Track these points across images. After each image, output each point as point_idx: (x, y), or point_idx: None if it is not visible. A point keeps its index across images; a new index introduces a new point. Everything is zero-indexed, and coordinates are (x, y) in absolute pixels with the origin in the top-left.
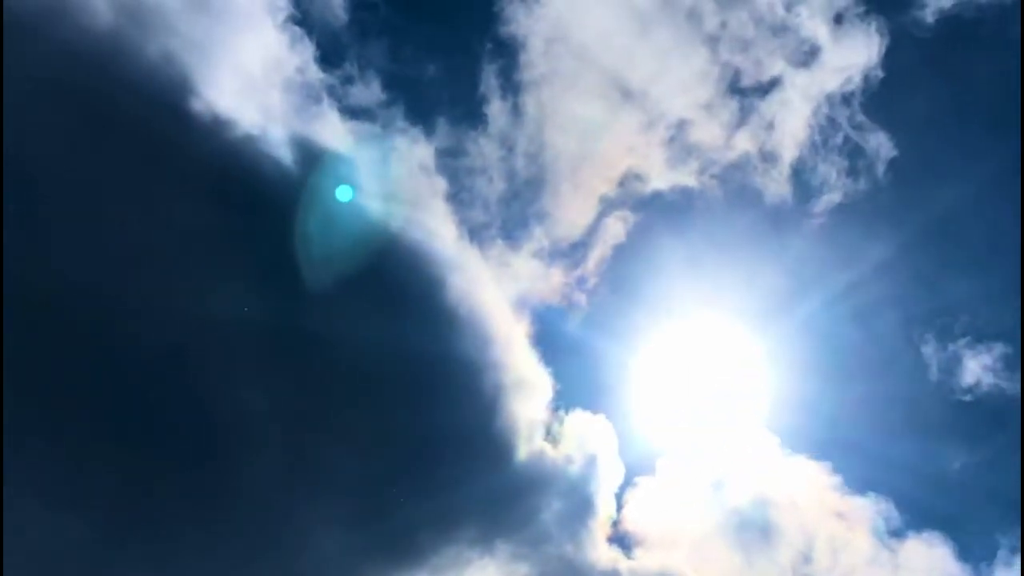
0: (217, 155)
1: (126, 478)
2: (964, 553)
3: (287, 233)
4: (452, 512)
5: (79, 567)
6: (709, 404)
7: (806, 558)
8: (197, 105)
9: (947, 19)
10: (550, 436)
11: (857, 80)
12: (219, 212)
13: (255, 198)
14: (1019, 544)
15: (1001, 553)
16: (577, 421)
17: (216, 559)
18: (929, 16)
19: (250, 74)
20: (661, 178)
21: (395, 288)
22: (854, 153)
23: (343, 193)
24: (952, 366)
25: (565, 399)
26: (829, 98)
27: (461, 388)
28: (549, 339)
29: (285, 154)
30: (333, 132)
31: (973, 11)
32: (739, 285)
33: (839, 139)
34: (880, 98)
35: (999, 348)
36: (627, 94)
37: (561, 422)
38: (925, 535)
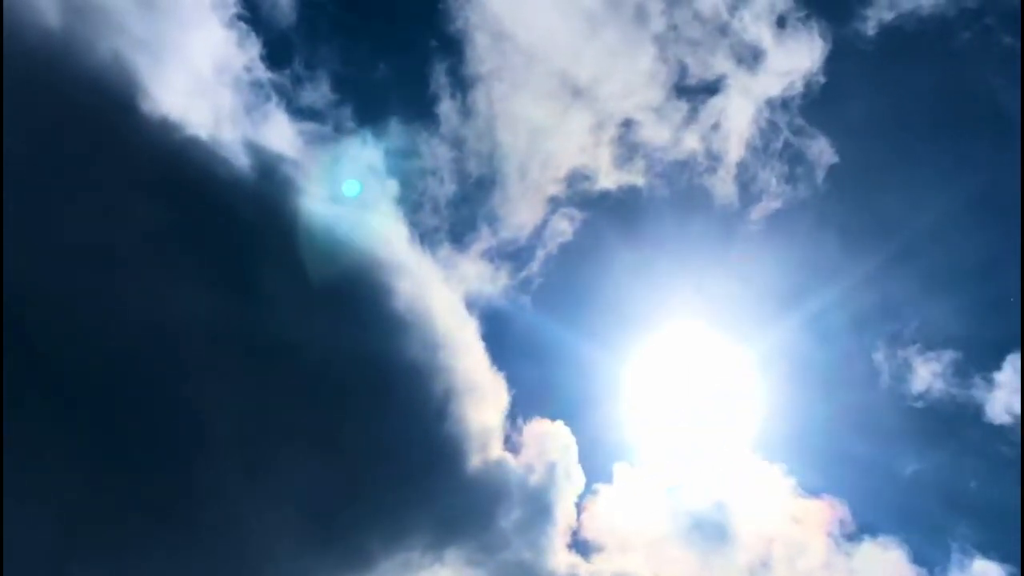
0: (163, 155)
1: (80, 475)
2: (918, 557)
3: (235, 235)
4: (405, 518)
5: (33, 560)
6: (666, 408)
7: (763, 562)
8: (143, 104)
9: (889, 28)
10: (509, 444)
11: (799, 85)
12: (165, 212)
13: (202, 199)
14: (971, 547)
15: (954, 556)
16: (536, 428)
17: (169, 558)
18: (871, 25)
19: (197, 72)
20: (608, 177)
21: (345, 292)
22: (795, 158)
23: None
24: (903, 373)
25: (523, 406)
26: (770, 102)
27: (414, 393)
28: (502, 343)
29: (232, 156)
30: (281, 133)
31: (915, 22)
32: (688, 287)
33: (780, 144)
34: (822, 104)
35: (949, 355)
36: (575, 93)
37: (520, 431)
38: (880, 539)
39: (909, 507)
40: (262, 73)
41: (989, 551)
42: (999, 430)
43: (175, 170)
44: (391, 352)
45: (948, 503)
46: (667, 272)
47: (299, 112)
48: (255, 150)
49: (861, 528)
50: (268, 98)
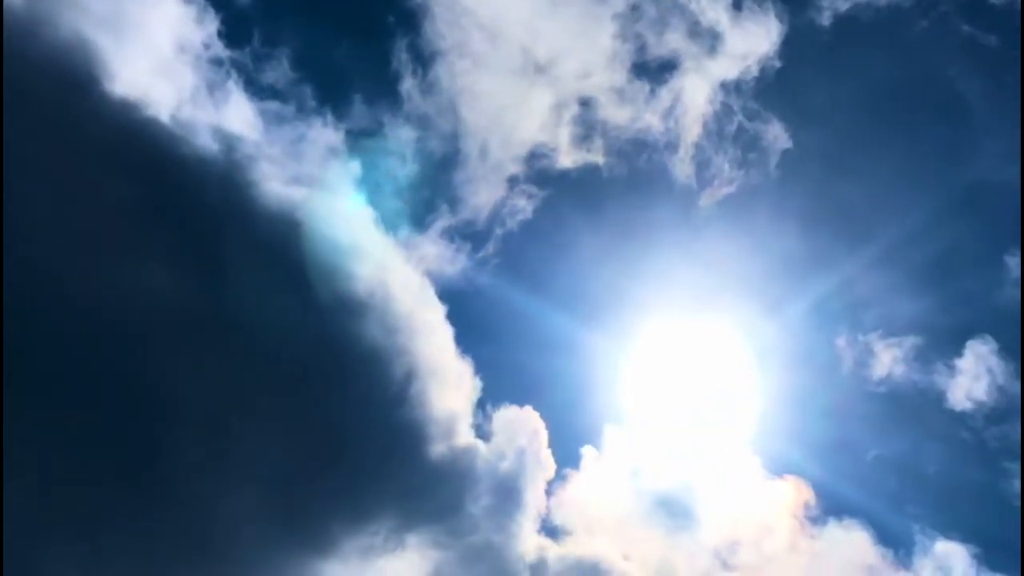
0: (124, 135)
1: (49, 451)
2: (882, 539)
3: (195, 216)
4: (370, 502)
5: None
6: (632, 391)
7: (730, 542)
8: (103, 83)
9: (846, 15)
10: (476, 429)
11: (754, 69)
12: (125, 192)
13: (160, 180)
14: (933, 530)
15: (917, 538)
16: (504, 413)
17: (137, 534)
18: (827, 11)
19: (156, 50)
20: (568, 156)
21: (308, 274)
22: (749, 142)
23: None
24: (865, 359)
25: (491, 391)
26: (724, 85)
27: (377, 376)
28: (467, 326)
29: (190, 136)
30: (240, 113)
31: (872, 10)
32: (648, 270)
33: (734, 127)
34: (777, 88)
35: (910, 341)
36: (535, 71)
37: (488, 416)
38: (845, 521)
39: (872, 490)
40: (221, 51)
41: (951, 533)
42: (960, 416)
43: (135, 150)
44: (354, 334)
45: (910, 487)
46: (627, 254)
47: (259, 91)
48: (213, 130)
49: (826, 510)
50: (227, 76)
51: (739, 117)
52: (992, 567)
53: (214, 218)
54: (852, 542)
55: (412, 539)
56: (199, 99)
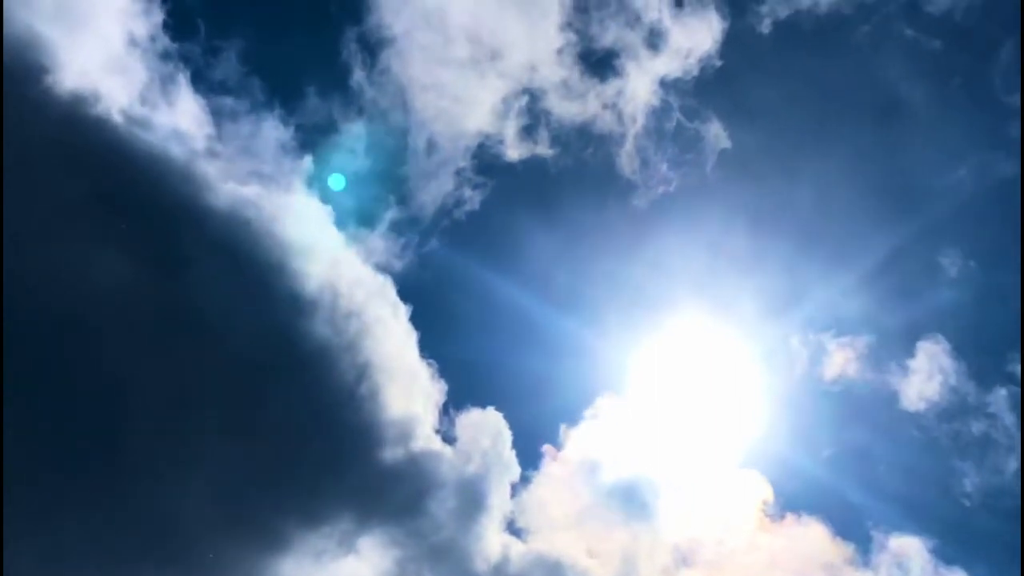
0: (73, 130)
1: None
2: (840, 533)
3: (142, 212)
4: (326, 501)
5: None
6: (592, 388)
7: (691, 538)
8: (51, 78)
9: (788, 16)
10: (442, 433)
11: (695, 68)
12: (71, 187)
13: (107, 176)
14: (889, 526)
15: (873, 534)
16: (467, 415)
17: (90, 525)
18: (769, 11)
19: (104, 43)
20: (515, 149)
21: (262, 273)
22: (689, 141)
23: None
24: (819, 357)
25: (453, 392)
26: (663, 82)
27: (334, 376)
28: (423, 324)
29: (140, 130)
30: (188, 108)
31: (813, 17)
32: (601, 267)
33: (673, 124)
34: (716, 88)
35: (862, 342)
36: (483, 62)
37: (450, 418)
38: (803, 518)
39: (829, 487)
40: (167, 44)
41: (907, 528)
42: (913, 416)
43: (85, 145)
44: (311, 333)
45: (866, 484)
46: (577, 250)
47: (207, 85)
48: (162, 125)
49: (784, 506)
50: (175, 70)
51: (677, 115)
52: (948, 561)
53: (163, 214)
54: (810, 537)
55: (370, 539)
56: (147, 93)
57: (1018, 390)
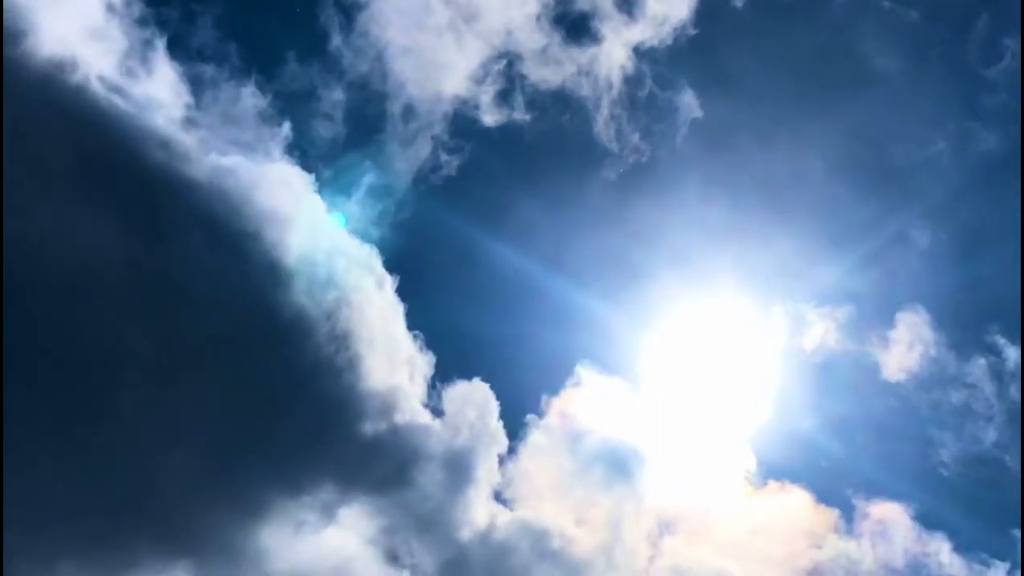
0: (51, 97)
1: None
2: (822, 499)
3: (120, 180)
4: (309, 470)
5: None
6: (575, 358)
7: (676, 506)
8: (30, 44)
9: None
10: (429, 406)
11: (669, 37)
12: (55, 155)
13: (85, 141)
14: (873, 494)
15: (857, 502)
16: (455, 386)
17: (61, 492)
18: None
19: (80, 10)
20: (491, 114)
21: (244, 243)
22: (661, 110)
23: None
24: (799, 328)
25: (440, 363)
26: (638, 50)
27: (319, 346)
28: (408, 296)
29: (114, 97)
30: (165, 75)
31: None
32: (580, 238)
33: (645, 93)
34: (690, 57)
35: (842, 312)
36: (460, 24)
37: (437, 389)
38: (786, 485)
39: (811, 455)
40: (143, 9)
41: (888, 495)
42: (893, 387)
43: (63, 111)
44: (290, 303)
45: (844, 457)
46: (556, 217)
47: (183, 51)
48: (137, 93)
49: (767, 474)
50: (152, 35)
51: (651, 83)
52: (930, 527)
53: (141, 182)
54: (794, 503)
55: (356, 508)
56: (125, 60)
57: (997, 360)
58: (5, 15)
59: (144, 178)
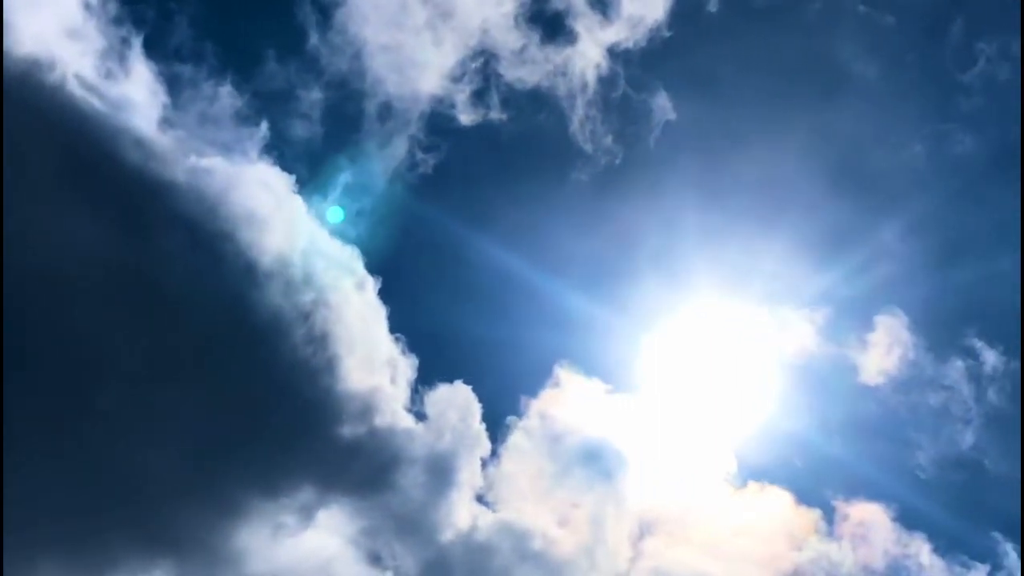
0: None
1: None
2: (803, 501)
3: (97, 182)
4: (288, 473)
5: None
6: (555, 359)
7: (658, 508)
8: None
9: None
10: (412, 410)
11: (643, 38)
12: (34, 156)
13: (60, 141)
14: (853, 496)
15: (838, 504)
16: (437, 389)
17: (41, 488)
18: None
19: (57, 9)
20: (467, 114)
21: (223, 244)
22: (635, 112)
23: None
24: (778, 331)
25: (423, 366)
26: (612, 51)
27: (300, 348)
28: (389, 299)
29: (90, 97)
30: (141, 74)
31: None
32: (556, 239)
33: (619, 95)
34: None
35: (821, 314)
36: (436, 23)
37: (419, 393)
38: (767, 487)
39: (791, 457)
40: (119, 8)
41: (868, 496)
42: (872, 390)
43: (36, 112)
44: (270, 305)
45: (825, 459)
46: (533, 218)
47: (159, 50)
48: (113, 93)
49: (748, 476)
50: (128, 35)
51: (624, 85)
52: (910, 527)
53: (117, 183)
54: (775, 504)
55: (336, 510)
56: (101, 59)
57: (974, 363)
58: None
59: (121, 179)
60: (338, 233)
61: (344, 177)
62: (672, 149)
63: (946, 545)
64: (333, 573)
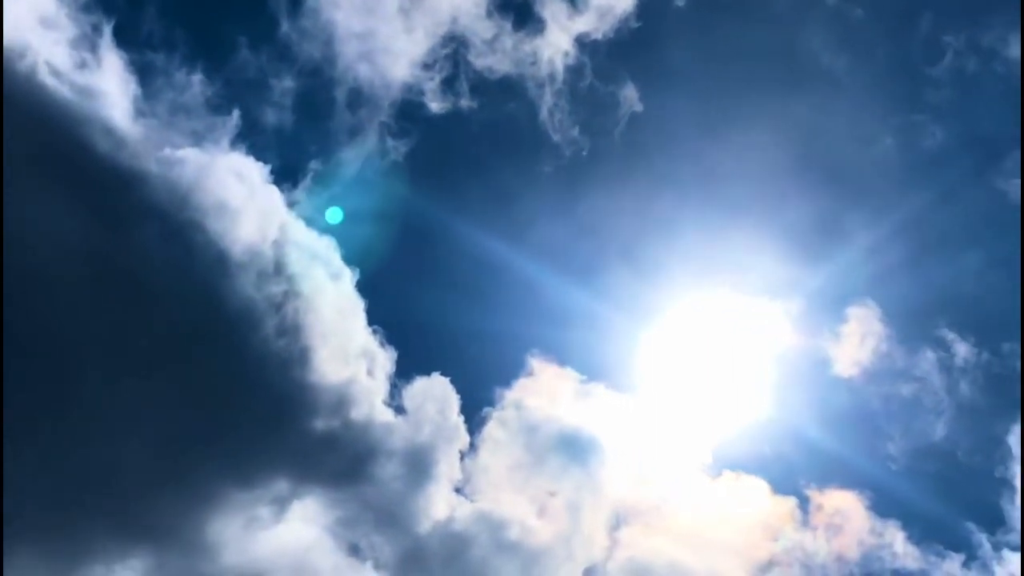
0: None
1: None
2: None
3: (64, 170)
4: (263, 464)
5: None
6: (530, 348)
7: (634, 497)
8: None
9: None
10: (391, 403)
11: (611, 29)
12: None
13: (24, 130)
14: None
15: (812, 493)
16: (415, 382)
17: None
18: None
19: None
20: (436, 101)
21: (196, 235)
22: (601, 102)
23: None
24: (752, 322)
25: (401, 360)
26: (580, 41)
27: (274, 340)
28: (370, 289)
29: (59, 85)
30: (112, 62)
31: None
32: (528, 229)
33: (586, 85)
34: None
35: (794, 303)
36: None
37: (396, 385)
38: (742, 477)
39: (765, 447)
40: None
41: (842, 484)
42: (847, 382)
43: (10, 100)
44: (243, 296)
45: (799, 448)
46: (504, 208)
47: (131, 39)
48: (86, 82)
49: (723, 465)
50: (99, 22)
51: (591, 76)
52: (883, 515)
53: (89, 174)
54: (750, 494)
55: (313, 501)
56: (71, 46)
57: (946, 354)
58: None
59: (91, 168)
60: (314, 223)
61: (315, 165)
62: (639, 140)
63: (920, 534)
64: (312, 563)
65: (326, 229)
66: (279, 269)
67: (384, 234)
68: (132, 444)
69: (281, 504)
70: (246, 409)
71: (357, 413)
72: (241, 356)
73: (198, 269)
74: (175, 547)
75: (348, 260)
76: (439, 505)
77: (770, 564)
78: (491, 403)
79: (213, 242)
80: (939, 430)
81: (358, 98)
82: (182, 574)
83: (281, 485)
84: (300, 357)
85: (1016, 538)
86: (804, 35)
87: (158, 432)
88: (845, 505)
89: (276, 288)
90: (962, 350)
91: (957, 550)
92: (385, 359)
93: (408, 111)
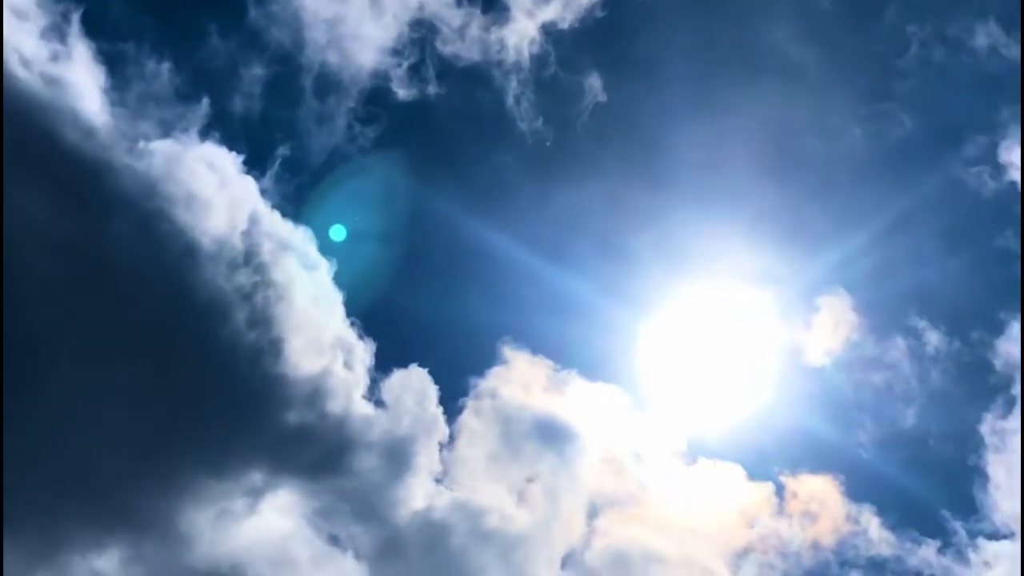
0: None
1: None
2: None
3: (33, 161)
4: (238, 453)
5: None
6: (504, 336)
7: (610, 485)
8: None
9: None
10: (371, 396)
11: (576, 18)
12: None
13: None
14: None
15: (786, 480)
16: (393, 374)
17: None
18: None
19: None
20: (403, 88)
21: (167, 225)
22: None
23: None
24: (725, 309)
25: (379, 352)
26: (545, 29)
27: (248, 332)
28: (347, 281)
29: (27, 76)
30: (81, 51)
31: None
32: (497, 212)
33: (550, 74)
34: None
35: (766, 293)
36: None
37: (375, 377)
38: (717, 464)
39: (739, 435)
40: None
41: (814, 470)
42: (818, 371)
43: None
44: (215, 286)
45: (773, 433)
46: (479, 197)
47: (99, 28)
48: (50, 72)
49: (697, 453)
50: (68, 10)
51: (554, 66)
52: (858, 500)
53: (59, 163)
54: (726, 481)
55: (285, 491)
56: (39, 36)
57: (917, 343)
58: None
59: (60, 158)
60: (289, 213)
61: (284, 151)
62: (603, 130)
63: (895, 521)
64: (290, 553)
65: (300, 218)
66: (248, 259)
67: (354, 221)
68: (105, 435)
69: (256, 495)
70: (220, 400)
71: (334, 405)
72: (213, 347)
73: (169, 259)
74: (152, 537)
75: (325, 251)
76: (418, 495)
77: (746, 550)
78: (466, 393)
79: (183, 232)
80: (909, 418)
81: (326, 85)
82: (159, 564)
83: (255, 476)
84: (271, 348)
85: (990, 526)
86: (770, 26)
87: (131, 423)
88: (821, 491)
89: (248, 278)
90: (933, 338)
91: (933, 536)
92: (364, 351)
93: (376, 97)
